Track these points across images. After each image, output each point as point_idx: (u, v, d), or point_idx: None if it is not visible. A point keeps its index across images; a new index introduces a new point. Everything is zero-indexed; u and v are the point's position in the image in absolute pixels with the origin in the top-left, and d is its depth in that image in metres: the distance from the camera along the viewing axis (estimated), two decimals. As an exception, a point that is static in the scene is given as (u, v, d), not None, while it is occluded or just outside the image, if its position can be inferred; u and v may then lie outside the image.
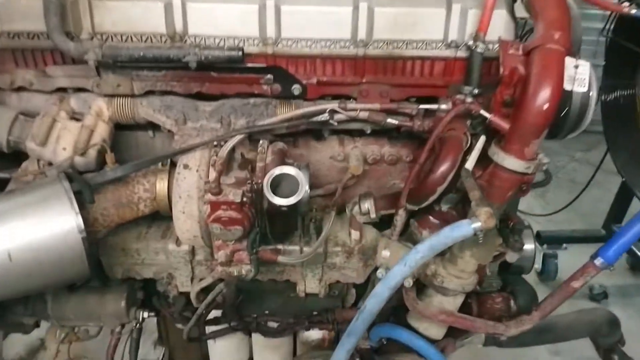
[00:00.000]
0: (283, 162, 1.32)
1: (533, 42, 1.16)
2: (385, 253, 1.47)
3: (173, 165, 1.35)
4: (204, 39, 1.31)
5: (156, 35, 1.31)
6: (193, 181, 1.26)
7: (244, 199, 1.13)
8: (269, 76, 1.33)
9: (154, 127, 1.54)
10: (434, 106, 1.33)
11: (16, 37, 1.32)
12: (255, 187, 1.17)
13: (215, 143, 1.32)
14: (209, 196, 1.12)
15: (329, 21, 1.30)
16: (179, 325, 1.65)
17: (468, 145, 1.30)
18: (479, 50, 1.25)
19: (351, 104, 1.34)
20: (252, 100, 1.42)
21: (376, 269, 1.50)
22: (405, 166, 1.57)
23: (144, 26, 1.30)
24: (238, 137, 1.29)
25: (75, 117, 1.42)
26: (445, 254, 1.38)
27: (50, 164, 1.37)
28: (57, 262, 1.18)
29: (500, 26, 1.27)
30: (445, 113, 1.30)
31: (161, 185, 1.32)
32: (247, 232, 1.15)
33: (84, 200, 1.20)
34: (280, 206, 1.17)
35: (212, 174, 1.21)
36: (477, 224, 1.05)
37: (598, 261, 1.28)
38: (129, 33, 1.31)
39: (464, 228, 1.05)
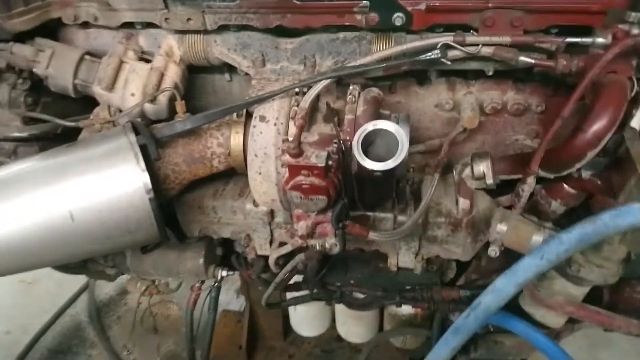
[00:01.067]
0: (377, 114, 1.06)
1: None
2: (502, 227, 1.19)
3: (250, 116, 1.15)
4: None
5: (228, -46, 1.07)
6: (270, 136, 1.05)
7: (329, 163, 0.90)
8: (365, 2, 1.05)
9: (230, 69, 1.34)
10: (586, 40, 0.98)
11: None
12: (343, 146, 0.93)
13: (297, 90, 1.09)
14: (286, 157, 0.90)
15: None
16: (259, 288, 1.52)
17: (634, 93, 0.95)
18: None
19: (471, 37, 1.03)
20: (341, 34, 1.16)
21: (487, 245, 1.23)
22: (533, 118, 1.25)
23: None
24: (323, 83, 1.05)
25: (144, 57, 1.26)
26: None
27: (120, 110, 1.23)
28: (124, 224, 1.05)
29: None
30: (604, 49, 0.95)
31: (236, 140, 1.13)
32: (332, 202, 0.93)
33: (149, 155, 1.04)
34: (374, 171, 0.93)
35: (292, 130, 0.99)
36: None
37: None
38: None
39: (635, 215, 0.74)
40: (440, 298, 1.38)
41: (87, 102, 1.28)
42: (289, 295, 1.54)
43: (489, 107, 1.22)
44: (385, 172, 0.93)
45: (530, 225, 1.19)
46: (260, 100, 1.06)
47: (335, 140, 0.92)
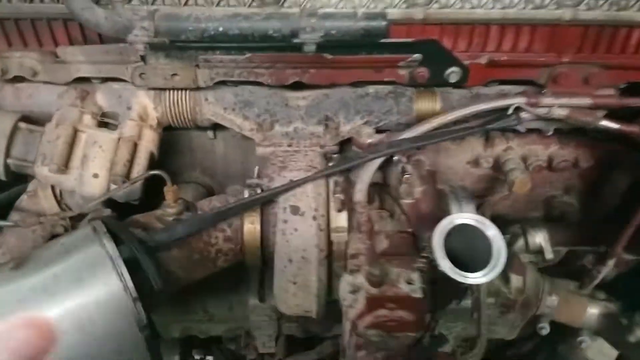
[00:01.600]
0: (437, 194, 0.85)
1: None
2: (552, 301, 1.05)
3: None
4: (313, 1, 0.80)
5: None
6: (310, 235, 0.79)
7: (423, 286, 0.66)
8: (416, 56, 0.83)
9: (216, 125, 1.05)
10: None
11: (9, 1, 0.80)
12: (431, 256, 0.70)
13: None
14: (367, 287, 0.65)
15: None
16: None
17: None
18: None
19: (547, 98, 0.85)
20: (371, 89, 0.93)
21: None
22: (572, 173, 1.10)
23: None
24: (378, 161, 0.81)
25: (105, 119, 0.93)
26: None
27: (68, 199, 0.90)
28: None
29: None
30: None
31: (252, 234, 0.85)
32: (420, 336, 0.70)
33: (143, 281, 0.73)
34: (462, 282, 0.71)
35: (358, 240, 0.73)
36: None
37: None
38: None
39: None
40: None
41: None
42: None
43: (533, 166, 1.06)
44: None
45: (582, 296, 1.06)
46: (291, 187, 0.79)
47: (423, 255, 0.69)
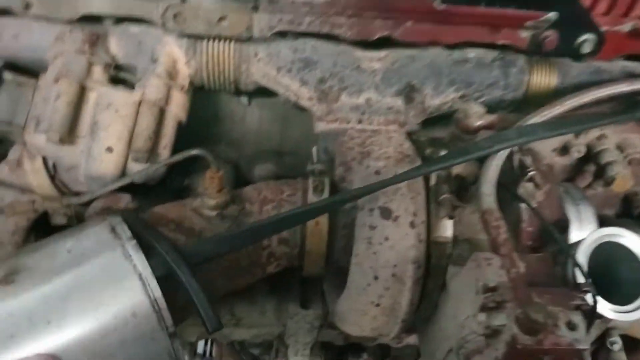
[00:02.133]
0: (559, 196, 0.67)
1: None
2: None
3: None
4: None
5: None
6: (406, 246, 0.60)
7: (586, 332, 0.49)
8: (551, 14, 0.63)
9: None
10: None
11: None
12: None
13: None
14: (514, 333, 0.47)
15: None
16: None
17: None
18: None
19: None
20: (471, 54, 0.72)
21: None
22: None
23: None
24: (503, 155, 0.62)
25: (121, 76, 0.70)
26: None
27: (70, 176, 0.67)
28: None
29: None
30: None
31: (316, 236, 0.65)
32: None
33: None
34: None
35: (498, 265, 0.52)
36: None
37: None
38: None
39: None
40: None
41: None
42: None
43: (630, 157, 0.89)
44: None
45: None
46: (386, 184, 0.59)
47: (584, 290, 0.51)
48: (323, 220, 0.66)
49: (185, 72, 0.70)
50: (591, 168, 0.87)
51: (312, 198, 0.65)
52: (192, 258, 0.55)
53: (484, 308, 0.49)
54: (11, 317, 0.51)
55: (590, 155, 0.86)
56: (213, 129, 0.89)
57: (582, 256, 0.56)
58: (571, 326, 0.48)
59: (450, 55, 0.73)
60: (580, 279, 0.55)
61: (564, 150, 0.88)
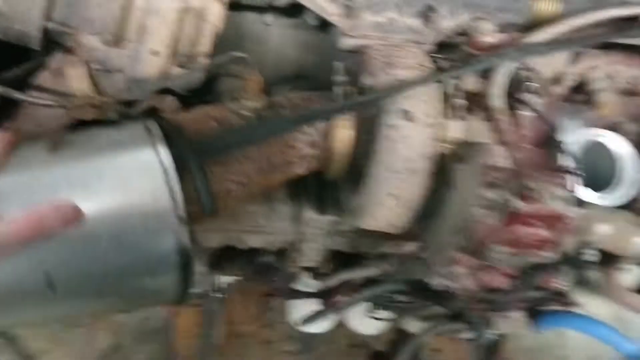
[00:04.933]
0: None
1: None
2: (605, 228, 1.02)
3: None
4: None
5: None
6: (423, 144, 0.69)
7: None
8: None
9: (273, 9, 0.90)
10: None
11: None
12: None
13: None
14: (514, 203, 0.56)
15: None
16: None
17: None
18: None
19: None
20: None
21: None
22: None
23: None
24: (510, 66, 0.70)
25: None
26: None
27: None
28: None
29: None
30: None
31: (344, 139, 0.74)
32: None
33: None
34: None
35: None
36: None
37: None
38: None
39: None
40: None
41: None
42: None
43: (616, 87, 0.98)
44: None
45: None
46: (405, 87, 0.67)
47: (565, 169, 0.60)
48: (350, 124, 0.74)
49: (223, -16, 0.76)
50: (583, 98, 0.96)
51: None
52: (211, 147, 0.64)
53: (488, 185, 0.59)
54: (53, 179, 0.59)
55: (582, 85, 0.96)
56: (233, 47, 0.95)
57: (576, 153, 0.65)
58: (561, 201, 0.58)
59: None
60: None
61: (557, 80, 0.97)
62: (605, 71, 0.96)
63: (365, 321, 1.51)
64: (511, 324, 0.91)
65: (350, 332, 1.42)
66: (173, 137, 0.63)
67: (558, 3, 0.79)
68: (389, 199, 0.72)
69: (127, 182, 0.60)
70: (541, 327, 1.21)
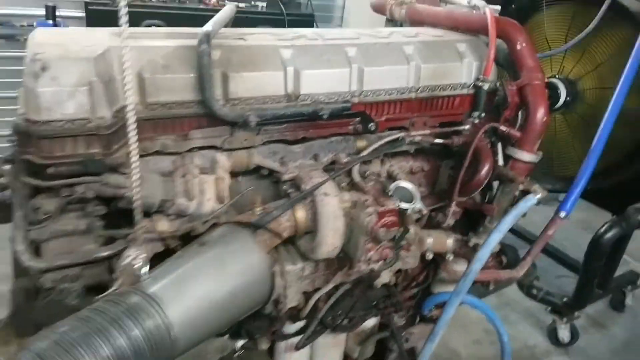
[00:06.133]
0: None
1: (522, 81, 1.87)
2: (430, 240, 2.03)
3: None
4: (311, 97, 1.69)
5: (276, 97, 1.63)
6: (336, 204, 1.62)
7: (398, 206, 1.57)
8: (358, 119, 1.78)
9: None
10: (462, 127, 1.94)
11: (159, 107, 1.49)
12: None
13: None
14: (375, 208, 1.52)
15: (393, 76, 1.81)
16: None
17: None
18: (485, 87, 1.91)
19: (413, 132, 1.87)
20: (333, 138, 1.83)
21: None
22: (422, 175, 2.15)
23: (268, 90, 1.62)
24: (357, 164, 1.71)
25: (203, 172, 1.62)
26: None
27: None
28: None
29: (493, 72, 1.96)
30: (469, 131, 1.92)
31: (301, 214, 1.64)
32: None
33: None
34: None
35: (367, 195, 1.60)
36: (539, 195, 1.69)
37: (562, 214, 2.04)
38: (256, 97, 1.60)
39: (532, 200, 1.69)
40: (403, 299, 2.09)
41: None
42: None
43: (405, 171, 2.07)
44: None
45: (445, 234, 2.07)
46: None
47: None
48: (304, 208, 1.66)
49: (227, 165, 1.66)
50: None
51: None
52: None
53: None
54: (201, 260, 1.39)
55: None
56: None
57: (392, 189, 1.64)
58: (406, 202, 1.55)
59: (324, 140, 1.83)
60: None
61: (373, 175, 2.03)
62: (397, 165, 2.06)
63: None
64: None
65: None
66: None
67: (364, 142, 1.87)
68: (329, 233, 1.62)
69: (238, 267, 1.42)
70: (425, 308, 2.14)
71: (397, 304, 2.09)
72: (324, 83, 1.69)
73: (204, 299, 1.30)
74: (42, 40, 1.38)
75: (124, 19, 1.25)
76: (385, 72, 1.79)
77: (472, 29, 2.00)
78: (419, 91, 1.87)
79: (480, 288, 2.37)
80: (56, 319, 1.40)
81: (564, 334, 3.27)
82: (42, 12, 4.15)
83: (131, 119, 1.31)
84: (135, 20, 3.79)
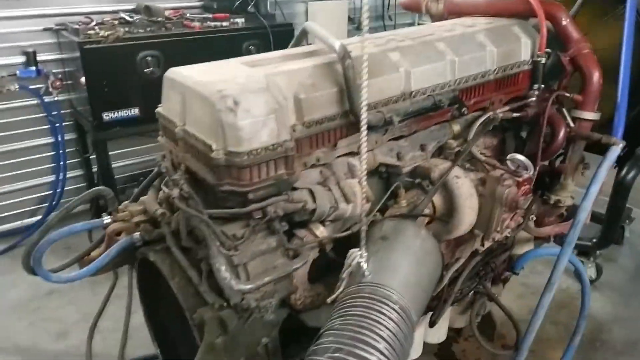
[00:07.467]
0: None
1: (573, 52, 2.14)
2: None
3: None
4: (421, 92, 1.86)
5: (395, 97, 1.79)
6: (469, 184, 1.81)
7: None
8: (456, 105, 1.97)
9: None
10: (530, 100, 2.18)
11: (314, 125, 1.59)
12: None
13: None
14: (513, 180, 1.73)
15: (475, 62, 2.02)
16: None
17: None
18: (542, 61, 2.17)
19: (499, 110, 2.09)
20: (433, 127, 2.01)
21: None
22: (493, 148, 2.38)
23: (388, 92, 1.77)
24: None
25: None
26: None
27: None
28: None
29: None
30: (536, 102, 2.18)
31: (437, 200, 1.81)
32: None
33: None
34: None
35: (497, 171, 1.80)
36: (621, 145, 1.97)
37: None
38: (380, 100, 1.75)
39: (616, 151, 1.96)
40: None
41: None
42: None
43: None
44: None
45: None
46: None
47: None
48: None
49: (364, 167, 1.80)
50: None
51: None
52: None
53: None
54: (399, 253, 1.53)
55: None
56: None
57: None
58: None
59: (425, 131, 2.00)
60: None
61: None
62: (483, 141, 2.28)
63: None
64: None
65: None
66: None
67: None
68: (467, 210, 1.80)
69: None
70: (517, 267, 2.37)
71: (494, 269, 2.32)
72: (428, 77, 1.87)
73: (417, 284, 1.44)
74: (194, 77, 1.47)
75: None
76: (470, 59, 2.00)
77: (516, 13, 2.25)
78: (496, 73, 2.09)
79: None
80: (260, 336, 1.49)
81: (591, 271, 3.65)
82: (21, 59, 3.97)
83: (364, 138, 1.40)
84: (129, 54, 3.76)
